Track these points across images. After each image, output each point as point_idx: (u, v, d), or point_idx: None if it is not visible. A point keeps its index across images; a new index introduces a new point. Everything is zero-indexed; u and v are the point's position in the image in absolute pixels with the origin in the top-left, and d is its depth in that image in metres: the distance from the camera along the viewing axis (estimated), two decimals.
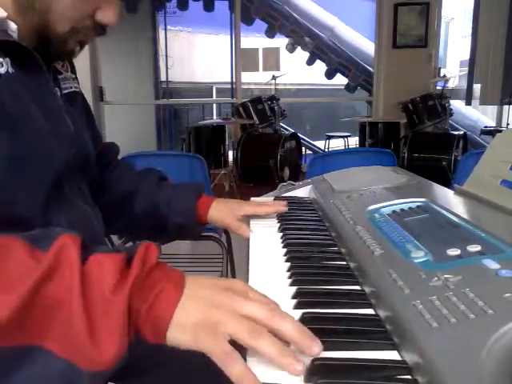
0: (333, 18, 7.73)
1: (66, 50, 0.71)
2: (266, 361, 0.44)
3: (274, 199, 1.07)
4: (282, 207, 0.94)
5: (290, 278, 0.64)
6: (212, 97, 9.36)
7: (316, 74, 8.06)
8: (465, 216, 0.72)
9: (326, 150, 5.80)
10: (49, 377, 0.44)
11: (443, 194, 0.94)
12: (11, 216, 0.60)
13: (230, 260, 1.88)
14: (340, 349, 0.47)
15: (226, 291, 0.48)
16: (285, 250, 0.75)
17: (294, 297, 0.58)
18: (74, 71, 0.86)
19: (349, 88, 7.69)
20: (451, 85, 5.68)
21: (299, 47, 7.72)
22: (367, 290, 0.59)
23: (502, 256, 0.54)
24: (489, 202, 0.77)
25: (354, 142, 6.01)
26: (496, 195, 0.77)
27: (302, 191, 1.16)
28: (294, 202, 1.06)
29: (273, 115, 4.84)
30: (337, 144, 6.16)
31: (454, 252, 0.57)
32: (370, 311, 0.54)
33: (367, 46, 7.05)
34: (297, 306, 0.56)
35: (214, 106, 8.49)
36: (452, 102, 4.56)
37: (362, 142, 4.77)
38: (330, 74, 7.84)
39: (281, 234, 0.84)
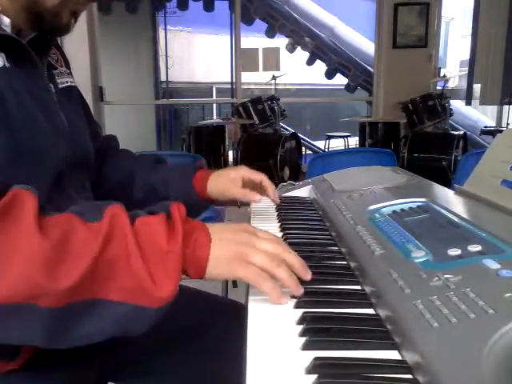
0: (333, 18, 7.73)
1: (61, 24, 0.70)
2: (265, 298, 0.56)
3: None
4: (272, 187, 0.96)
5: None
6: (212, 97, 9.35)
7: (316, 73, 8.06)
8: (465, 216, 0.72)
9: (326, 149, 5.80)
10: (116, 321, 0.52)
11: (443, 193, 0.94)
12: None
13: None
14: (340, 348, 0.46)
15: (242, 232, 0.60)
16: None
17: (294, 296, 0.58)
18: (68, 66, 0.85)
19: (349, 88, 7.69)
20: (451, 85, 5.68)
21: (299, 47, 7.72)
22: (368, 289, 0.59)
23: (503, 256, 0.55)
24: (489, 201, 0.77)
25: (354, 142, 6.01)
26: (496, 195, 0.77)
27: (302, 191, 1.16)
28: (294, 202, 1.06)
29: (273, 115, 4.84)
30: (337, 144, 6.16)
31: (454, 252, 0.57)
32: (371, 311, 0.55)
33: (367, 46, 7.05)
34: (297, 306, 0.56)
35: (214, 106, 8.50)
36: (452, 102, 4.55)
37: (362, 142, 4.77)
38: (330, 74, 7.84)
39: (281, 233, 0.84)
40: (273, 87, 5.04)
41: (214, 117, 7.28)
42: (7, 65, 0.63)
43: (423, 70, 5.01)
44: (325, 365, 0.43)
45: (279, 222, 0.91)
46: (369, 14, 6.18)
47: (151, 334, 0.77)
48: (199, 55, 9.30)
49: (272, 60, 9.61)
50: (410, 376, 0.42)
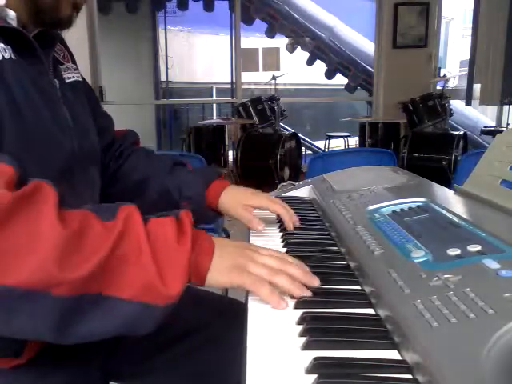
0: (333, 18, 7.73)
1: (62, 17, 0.71)
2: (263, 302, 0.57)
3: None
4: (291, 219, 0.86)
5: None
6: (212, 97, 9.35)
7: (316, 73, 8.05)
8: (465, 216, 0.72)
9: (326, 149, 5.80)
10: (123, 318, 0.52)
11: (443, 194, 0.94)
12: None
13: None
14: (340, 348, 0.47)
15: (244, 248, 0.62)
16: (285, 249, 0.75)
17: (293, 296, 0.58)
18: (74, 61, 0.86)
19: (349, 88, 7.68)
20: (451, 85, 5.68)
21: (299, 47, 7.71)
22: (367, 289, 0.59)
23: (502, 256, 0.55)
24: (489, 202, 0.77)
25: (354, 142, 6.00)
26: (496, 195, 0.77)
27: (302, 191, 1.16)
28: (293, 202, 1.06)
29: (273, 115, 4.83)
30: (337, 144, 6.16)
31: (454, 252, 0.57)
32: (370, 311, 0.55)
33: (367, 46, 7.05)
34: (297, 306, 0.56)
35: (214, 105, 8.49)
36: (452, 102, 4.55)
37: (362, 142, 4.77)
38: (330, 74, 7.84)
39: (281, 233, 0.84)
40: (273, 87, 5.04)
41: (214, 117, 7.27)
42: (13, 57, 0.64)
43: (423, 70, 5.01)
44: (324, 365, 0.43)
45: (279, 221, 0.91)
46: (369, 13, 6.18)
47: (152, 333, 0.77)
48: (199, 55, 9.30)
49: (272, 60, 9.60)
50: (409, 376, 0.42)
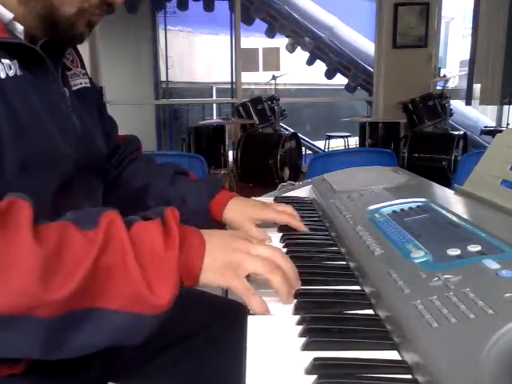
0: (333, 18, 7.73)
1: (76, 34, 0.70)
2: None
3: (274, 199, 1.07)
4: (302, 226, 0.85)
5: None
6: (212, 97, 9.35)
7: (316, 73, 8.05)
8: (465, 216, 0.72)
9: (326, 149, 5.80)
10: (113, 330, 0.51)
11: (443, 194, 0.94)
12: None
13: None
14: (340, 349, 0.47)
15: (236, 238, 0.60)
16: (285, 249, 0.75)
17: (294, 297, 0.58)
18: (83, 65, 0.84)
19: (349, 88, 7.68)
20: (451, 85, 5.68)
21: (299, 47, 7.71)
22: (367, 289, 0.59)
23: (503, 256, 0.54)
24: (489, 202, 0.77)
25: (354, 142, 6.00)
26: (496, 195, 0.77)
27: (302, 191, 1.16)
28: (293, 202, 1.06)
29: (273, 115, 4.84)
30: (337, 144, 6.15)
31: (454, 252, 0.57)
32: (370, 311, 0.54)
33: (367, 46, 7.05)
34: (297, 307, 0.56)
35: (214, 105, 8.49)
36: (452, 102, 4.55)
37: (362, 142, 4.77)
38: (330, 74, 7.84)
39: (281, 233, 0.84)
40: (273, 87, 5.04)
41: (214, 117, 7.27)
42: (19, 73, 0.63)
43: (423, 70, 5.01)
44: (324, 365, 0.43)
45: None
46: (369, 13, 6.18)
47: (151, 335, 0.77)
48: (199, 55, 9.30)
49: (272, 60, 9.61)
50: (409, 376, 0.42)
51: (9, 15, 0.64)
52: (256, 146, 4.64)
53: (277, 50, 9.36)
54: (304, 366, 0.44)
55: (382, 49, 5.10)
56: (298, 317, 0.53)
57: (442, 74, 5.10)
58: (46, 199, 0.64)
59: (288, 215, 0.86)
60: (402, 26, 4.96)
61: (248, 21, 6.96)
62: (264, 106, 4.80)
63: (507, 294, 0.45)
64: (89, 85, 0.84)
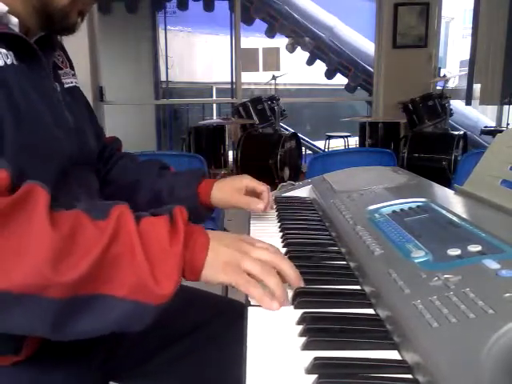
0: (333, 18, 7.73)
1: (70, 24, 0.73)
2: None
3: (274, 199, 1.07)
4: (268, 201, 0.92)
5: None
6: (212, 97, 9.35)
7: (316, 73, 8.05)
8: (465, 216, 0.72)
9: (326, 149, 5.80)
10: (117, 317, 0.53)
11: (443, 194, 0.94)
12: None
13: None
14: (340, 348, 0.47)
15: (240, 241, 0.62)
16: (285, 249, 0.75)
17: (294, 296, 0.58)
18: (72, 67, 0.88)
19: (349, 88, 7.68)
20: (451, 85, 5.68)
21: (299, 47, 7.71)
22: (367, 289, 0.59)
23: (503, 256, 0.55)
24: (489, 202, 0.77)
25: (354, 142, 6.00)
26: (496, 195, 0.77)
27: (302, 191, 1.16)
28: (294, 202, 1.06)
29: (273, 115, 4.83)
30: (337, 144, 6.15)
31: (454, 252, 0.57)
32: (370, 311, 0.55)
33: (367, 46, 7.04)
34: (297, 306, 0.56)
35: (214, 105, 8.48)
36: (452, 102, 4.55)
37: (362, 142, 4.77)
38: (330, 74, 7.84)
39: (281, 233, 0.84)
40: (273, 87, 5.03)
41: (214, 117, 7.27)
42: (15, 62, 0.65)
43: (423, 70, 5.01)
44: (325, 365, 0.43)
45: (279, 222, 0.91)
46: (369, 13, 6.18)
47: (152, 333, 0.77)
48: (199, 55, 9.30)
49: (272, 60, 9.60)
50: (409, 376, 0.42)
51: (3, 8, 0.66)
52: (256, 146, 4.63)
53: (277, 49, 9.36)
54: (304, 365, 0.44)
55: (382, 49, 5.09)
56: (298, 316, 0.53)
57: (442, 74, 5.10)
58: None
59: (265, 185, 0.94)
60: (402, 26, 4.96)
61: (248, 21, 6.96)
62: (264, 106, 4.79)
63: (507, 294, 0.45)
64: (78, 85, 0.87)
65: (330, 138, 5.92)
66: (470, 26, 5.09)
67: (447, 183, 1.15)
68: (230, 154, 4.78)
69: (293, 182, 1.21)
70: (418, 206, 0.81)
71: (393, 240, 0.66)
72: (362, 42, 7.57)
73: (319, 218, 0.93)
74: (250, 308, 0.56)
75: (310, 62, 7.82)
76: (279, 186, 1.20)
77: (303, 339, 0.48)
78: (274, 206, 1.01)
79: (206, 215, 0.97)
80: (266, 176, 4.35)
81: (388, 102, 5.03)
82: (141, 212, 0.59)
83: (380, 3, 5.07)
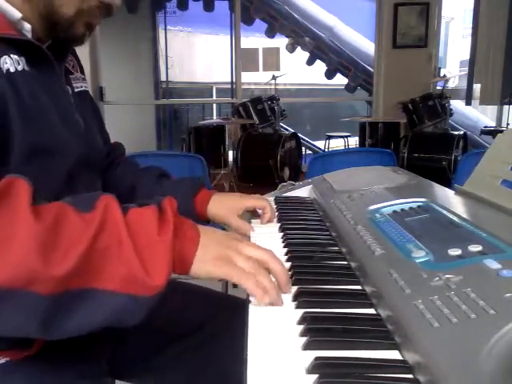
0: (333, 18, 7.73)
1: (76, 34, 0.74)
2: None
3: (275, 199, 1.07)
4: (273, 214, 0.92)
5: (290, 277, 0.63)
6: (212, 97, 9.35)
7: (316, 73, 8.05)
8: (465, 216, 0.72)
9: (326, 149, 5.80)
10: (109, 311, 0.52)
11: (444, 194, 0.94)
12: None
13: None
14: (341, 348, 0.47)
15: (230, 238, 0.62)
16: (285, 249, 0.75)
17: (294, 296, 0.58)
18: (83, 72, 0.89)
19: (349, 88, 7.68)
20: (451, 85, 5.68)
21: (299, 47, 7.71)
22: (368, 289, 0.59)
23: (503, 256, 0.55)
24: (489, 202, 0.77)
25: (354, 142, 6.00)
26: (496, 195, 0.77)
27: (302, 191, 1.16)
28: (294, 202, 1.06)
29: (273, 115, 4.83)
30: (337, 144, 6.15)
31: (455, 252, 0.57)
32: (371, 311, 0.55)
33: (367, 46, 7.04)
34: (298, 306, 0.56)
35: (214, 105, 8.48)
36: (452, 102, 4.55)
37: (362, 142, 4.77)
38: (330, 74, 7.84)
39: (281, 233, 0.84)
40: (273, 87, 5.04)
41: (214, 117, 7.27)
42: (26, 68, 0.66)
43: (423, 70, 5.01)
44: (325, 365, 0.43)
45: (279, 222, 0.91)
46: (369, 13, 6.18)
47: (155, 331, 0.78)
48: (199, 55, 9.29)
49: (272, 60, 9.60)
50: (410, 376, 0.42)
51: (17, 14, 0.67)
52: (256, 146, 4.63)
53: (277, 49, 9.36)
54: (305, 365, 0.44)
55: (382, 49, 5.10)
56: (299, 316, 0.53)
57: (442, 74, 5.10)
58: (50, 192, 0.66)
59: (266, 200, 0.93)
60: (402, 26, 4.96)
61: (248, 21, 6.96)
62: (264, 106, 4.79)
63: (508, 294, 0.45)
64: (88, 89, 0.88)
65: (329, 138, 5.92)
66: (470, 26, 5.09)
67: (447, 183, 1.15)
68: (230, 153, 4.78)
69: (293, 182, 1.21)
70: (418, 206, 0.81)
71: (393, 240, 0.66)
72: (362, 41, 7.57)
73: (319, 218, 0.93)
74: (250, 308, 0.56)
75: (310, 62, 7.82)
76: (279, 186, 1.20)
77: (304, 339, 0.48)
78: (274, 206, 1.01)
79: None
80: (266, 176, 4.36)
81: (388, 102, 5.04)
82: (129, 203, 0.58)
83: (380, 3, 5.07)
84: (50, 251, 0.48)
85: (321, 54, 7.64)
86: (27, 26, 0.68)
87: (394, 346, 0.46)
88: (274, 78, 4.92)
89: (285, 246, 0.77)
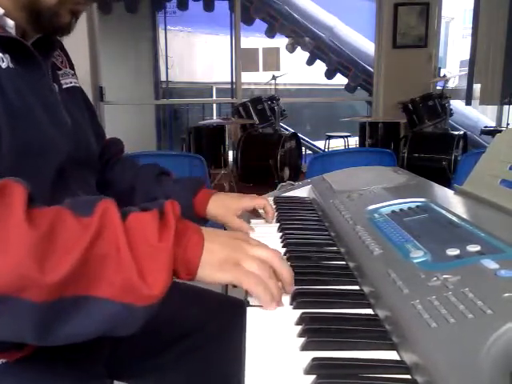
0: (332, 18, 7.73)
1: (61, 23, 0.72)
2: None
3: (274, 199, 1.07)
4: (272, 212, 0.92)
5: None
6: (212, 97, 9.35)
7: (316, 73, 8.05)
8: (464, 216, 0.72)
9: (326, 149, 5.80)
10: (105, 319, 0.50)
11: (443, 194, 0.94)
12: None
13: None
14: (339, 349, 0.47)
15: (235, 239, 0.61)
16: (284, 249, 0.75)
17: (292, 297, 0.58)
18: (72, 67, 0.87)
19: (349, 88, 7.68)
20: (451, 85, 5.68)
21: (299, 47, 7.71)
22: (366, 289, 0.59)
23: (502, 256, 0.54)
24: (488, 202, 0.77)
25: (354, 142, 6.00)
26: (495, 195, 0.77)
27: (302, 191, 1.16)
28: (293, 202, 1.06)
29: (273, 115, 4.84)
30: (337, 144, 6.15)
31: (453, 252, 0.57)
32: (369, 311, 0.55)
33: (367, 46, 7.04)
34: (296, 306, 0.56)
35: (214, 105, 8.48)
36: (452, 102, 4.55)
37: (362, 142, 4.77)
38: (330, 74, 7.84)
39: (280, 233, 0.84)
40: (273, 87, 5.04)
41: (214, 117, 7.27)
42: (11, 65, 0.65)
43: (423, 70, 5.01)
44: (323, 365, 0.43)
45: (278, 221, 0.91)
46: (369, 13, 6.18)
47: (153, 331, 0.77)
48: (199, 55, 9.29)
49: (272, 60, 9.60)
50: (408, 376, 0.42)
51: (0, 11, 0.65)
52: (256, 146, 4.64)
53: (277, 50, 9.36)
54: (303, 366, 0.44)
55: (382, 49, 5.10)
56: (297, 317, 0.53)
57: (442, 74, 5.10)
58: (42, 191, 0.65)
59: (265, 199, 0.92)
60: (402, 26, 4.96)
61: (248, 21, 6.96)
62: (264, 106, 4.79)
63: (506, 294, 0.45)
64: (78, 85, 0.86)
65: (329, 138, 5.92)
66: (470, 26, 5.09)
67: (447, 183, 1.15)
68: (230, 153, 4.78)
69: (292, 182, 1.21)
70: (417, 206, 0.81)
71: (392, 240, 0.66)
72: (362, 41, 7.57)
73: (319, 218, 0.93)
74: (248, 309, 0.56)
75: (310, 62, 7.82)
76: (279, 186, 1.20)
77: (302, 340, 0.48)
78: (274, 206, 1.01)
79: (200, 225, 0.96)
80: (265, 176, 4.36)
81: (388, 102, 5.04)
82: (130, 207, 0.56)
83: (380, 3, 5.07)
84: (44, 257, 0.47)
85: (321, 54, 7.64)
86: (10, 23, 0.67)
87: (391, 347, 0.46)
88: (273, 78, 4.92)
89: (283, 246, 0.77)
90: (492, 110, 6.04)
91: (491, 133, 4.21)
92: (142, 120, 7.18)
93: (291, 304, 0.57)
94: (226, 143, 4.50)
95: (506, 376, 0.37)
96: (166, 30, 7.93)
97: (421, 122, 4.48)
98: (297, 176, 4.72)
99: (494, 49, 4.65)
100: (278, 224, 0.90)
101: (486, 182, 0.83)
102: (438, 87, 5.03)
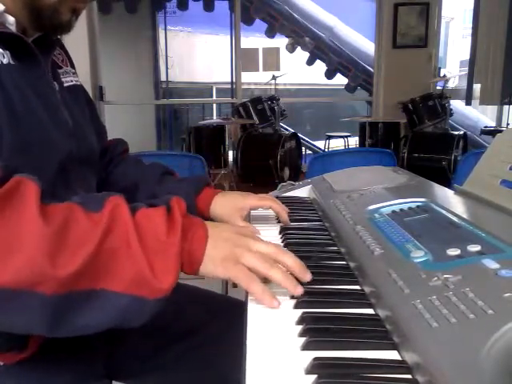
0: (332, 18, 7.73)
1: (61, 21, 0.72)
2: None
3: None
4: (283, 210, 0.88)
5: None
6: (212, 97, 9.35)
7: (316, 73, 8.05)
8: (465, 216, 0.72)
9: (326, 149, 5.80)
10: (116, 312, 0.52)
11: (443, 194, 0.94)
12: None
13: None
14: (340, 348, 0.46)
15: (239, 234, 0.61)
16: (285, 249, 0.75)
17: (293, 296, 0.58)
18: (73, 65, 0.87)
19: (349, 88, 7.68)
20: (451, 85, 5.68)
21: (299, 47, 7.71)
22: (367, 289, 0.59)
23: (502, 256, 0.54)
24: (489, 202, 0.77)
25: (354, 142, 6.00)
26: (496, 195, 0.77)
27: (302, 191, 1.16)
28: (293, 202, 1.06)
29: (273, 115, 4.84)
30: (337, 144, 6.15)
31: (453, 252, 0.57)
32: (370, 311, 0.54)
33: (367, 46, 7.04)
34: (296, 306, 0.56)
35: (214, 105, 8.48)
36: (452, 102, 4.55)
37: (362, 142, 4.77)
38: (330, 74, 7.84)
39: (280, 233, 0.84)
40: (273, 87, 5.04)
41: (214, 117, 7.26)
42: (12, 62, 0.65)
43: (423, 70, 5.01)
44: (324, 365, 0.43)
45: (279, 222, 0.91)
46: (369, 13, 6.18)
47: (153, 332, 0.77)
48: (199, 55, 9.29)
49: (272, 60, 9.59)
50: (409, 376, 0.42)
51: (0, 7, 0.66)
52: (256, 146, 4.64)
53: (277, 49, 9.35)
54: (304, 365, 0.44)
55: (382, 49, 5.10)
56: (297, 316, 0.53)
57: (442, 74, 5.10)
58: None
59: (272, 199, 0.89)
60: (402, 26, 4.96)
61: (248, 21, 6.96)
62: (264, 106, 4.80)
63: (507, 294, 0.45)
64: (79, 83, 0.86)
65: (330, 138, 5.92)
66: (470, 25, 5.09)
67: (447, 183, 1.14)
68: (230, 154, 4.78)
69: (293, 182, 1.21)
70: (417, 206, 0.81)
71: (392, 240, 0.66)
72: (362, 41, 7.57)
73: (319, 218, 0.93)
74: (249, 308, 0.56)
75: (310, 61, 7.82)
76: (279, 186, 1.19)
77: (303, 339, 0.48)
78: None
79: None
80: (265, 176, 4.36)
81: (388, 102, 5.04)
82: (137, 203, 0.57)
83: (380, 3, 5.07)
84: (57, 252, 0.48)
85: (321, 54, 7.64)
86: (11, 19, 0.67)
87: (392, 346, 0.46)
88: (273, 78, 4.92)
89: (284, 246, 0.77)
90: (492, 110, 6.04)
91: (491, 133, 4.20)
92: (142, 120, 7.17)
93: (292, 303, 0.57)
94: (226, 143, 4.50)
95: (507, 376, 0.37)
96: (165, 29, 7.93)
97: (421, 122, 4.48)
98: (297, 176, 4.72)
99: (493, 49, 4.65)
100: (279, 224, 0.90)
101: (486, 182, 0.83)
102: (438, 87, 5.03)
